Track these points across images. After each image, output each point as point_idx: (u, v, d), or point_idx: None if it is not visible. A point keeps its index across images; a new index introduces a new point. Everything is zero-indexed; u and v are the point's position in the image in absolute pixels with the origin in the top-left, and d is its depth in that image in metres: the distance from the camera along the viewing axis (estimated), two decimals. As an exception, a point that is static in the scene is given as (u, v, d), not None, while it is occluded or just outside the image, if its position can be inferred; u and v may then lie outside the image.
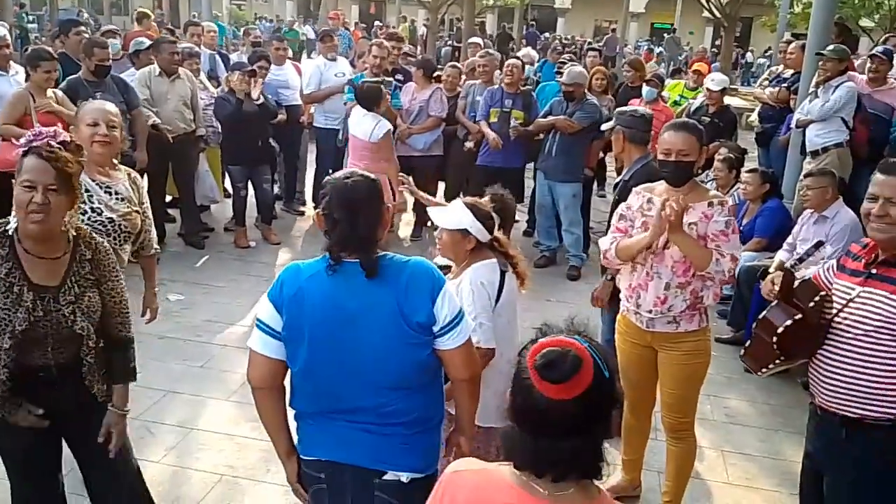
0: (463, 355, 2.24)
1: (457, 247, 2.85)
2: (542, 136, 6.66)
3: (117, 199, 3.23)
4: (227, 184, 7.46)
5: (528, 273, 3.04)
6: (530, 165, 7.22)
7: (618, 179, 4.07)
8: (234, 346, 4.93)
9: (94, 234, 2.66)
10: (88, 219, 3.10)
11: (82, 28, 6.78)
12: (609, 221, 3.86)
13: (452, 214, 2.86)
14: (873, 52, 6.52)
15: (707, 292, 3.17)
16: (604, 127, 4.30)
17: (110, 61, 5.94)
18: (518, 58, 7.17)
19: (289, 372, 2.27)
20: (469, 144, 6.89)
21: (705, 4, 20.36)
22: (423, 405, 2.25)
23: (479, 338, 2.68)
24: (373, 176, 2.26)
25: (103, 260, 2.60)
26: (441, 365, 2.26)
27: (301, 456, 2.32)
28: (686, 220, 3.06)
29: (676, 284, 3.14)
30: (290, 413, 2.35)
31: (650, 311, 3.20)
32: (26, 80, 5.54)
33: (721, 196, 3.23)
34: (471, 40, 11.01)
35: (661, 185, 3.24)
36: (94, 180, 3.15)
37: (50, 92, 5.34)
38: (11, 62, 5.99)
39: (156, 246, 3.58)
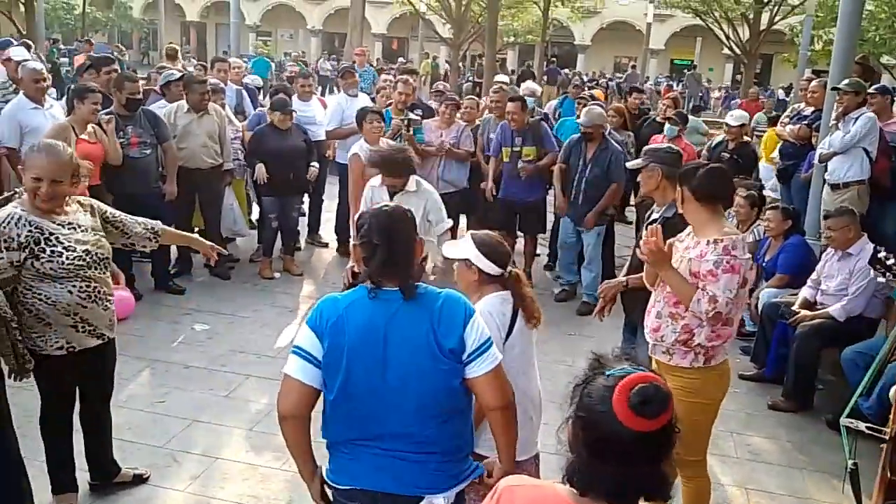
0: (492, 382, 2.28)
1: (463, 277, 2.90)
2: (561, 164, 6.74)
3: (82, 231, 3.25)
4: (253, 216, 7.60)
5: (539, 313, 2.96)
6: (550, 198, 7.28)
7: (656, 216, 4.04)
8: (257, 376, 4.98)
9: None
10: (66, 259, 3.14)
11: (114, 66, 6.94)
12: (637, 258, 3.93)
13: (459, 245, 2.93)
14: (870, 89, 6.56)
15: (701, 331, 3.16)
16: (631, 165, 4.29)
17: (140, 94, 6.09)
18: (522, 99, 7.07)
19: (319, 403, 2.31)
20: (484, 185, 6.93)
21: (725, 41, 20.53)
22: (455, 435, 2.30)
23: None
24: (407, 208, 2.39)
25: None
26: (472, 396, 2.30)
27: (335, 486, 2.35)
28: (689, 254, 3.15)
29: (668, 314, 3.22)
30: (322, 443, 2.38)
31: (651, 337, 3.31)
32: (68, 114, 5.67)
33: (727, 233, 3.17)
34: (496, 78, 11.16)
35: None
36: (54, 222, 3.17)
37: (91, 127, 5.48)
38: (47, 96, 6.15)
39: (154, 223, 3.62)
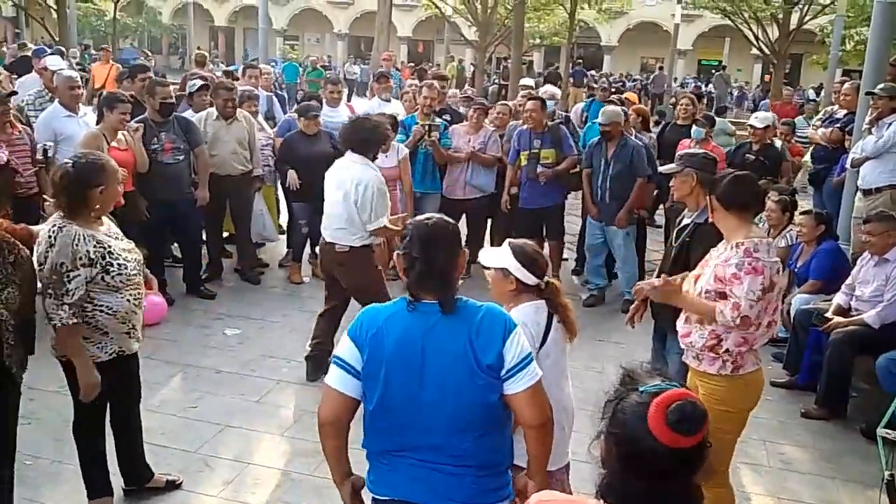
0: (532, 399, 2.25)
1: (498, 286, 2.89)
2: (578, 168, 6.72)
3: (120, 239, 3.37)
4: (282, 221, 7.66)
5: (576, 324, 2.98)
6: (575, 202, 7.26)
7: (687, 221, 4.02)
8: (287, 381, 5.03)
9: (17, 242, 3.04)
10: (129, 269, 3.26)
11: (149, 74, 7.04)
12: (668, 262, 3.92)
13: (495, 254, 2.92)
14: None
15: (728, 336, 3.17)
16: (666, 169, 4.23)
17: (173, 98, 6.16)
18: (540, 98, 7.08)
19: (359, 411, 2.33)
20: (513, 189, 6.93)
21: (754, 42, 20.30)
22: (493, 449, 2.30)
23: None
24: (451, 220, 2.36)
25: (25, 265, 3.05)
26: (509, 411, 2.29)
27: (373, 495, 2.37)
28: (715, 261, 3.20)
29: (696, 319, 3.25)
30: (361, 453, 2.40)
31: (682, 343, 3.33)
32: (97, 122, 5.77)
33: (750, 240, 3.16)
34: (521, 82, 11.12)
35: None
36: (104, 234, 3.27)
37: (120, 134, 5.57)
38: (80, 104, 6.25)
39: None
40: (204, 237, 6.71)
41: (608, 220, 6.49)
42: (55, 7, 21.11)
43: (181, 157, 6.00)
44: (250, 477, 3.99)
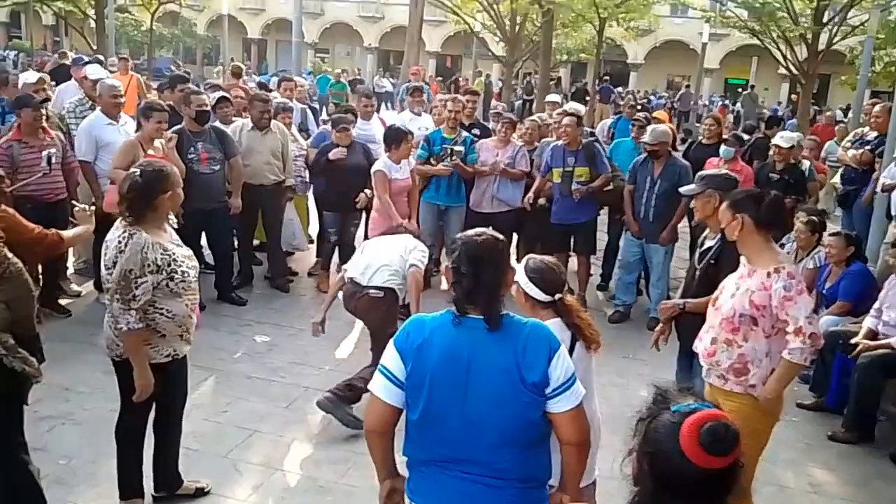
0: (574, 419, 2.29)
1: (517, 300, 2.92)
2: (611, 185, 6.74)
3: (180, 245, 3.48)
4: (312, 230, 7.76)
5: (598, 337, 2.98)
6: (602, 217, 7.28)
7: (710, 243, 4.03)
8: (315, 388, 5.07)
9: (7, 256, 3.12)
10: (190, 275, 3.38)
11: (188, 85, 7.18)
12: (694, 285, 3.94)
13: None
14: None
15: (758, 369, 3.21)
16: (686, 190, 4.27)
17: (209, 107, 6.29)
18: (577, 114, 7.11)
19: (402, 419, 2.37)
20: (541, 201, 6.97)
21: (782, 61, 20.18)
22: (533, 464, 2.32)
23: None
24: (501, 236, 2.39)
25: (14, 281, 3.13)
26: (550, 427, 2.31)
27: (411, 503, 2.41)
28: (747, 284, 3.21)
29: (723, 340, 3.26)
30: (402, 460, 2.45)
31: (705, 361, 3.35)
32: (137, 129, 5.90)
33: (783, 263, 3.24)
34: (548, 98, 11.17)
35: None
36: (168, 241, 3.37)
37: (157, 143, 5.69)
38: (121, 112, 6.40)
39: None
40: (235, 245, 6.82)
41: (650, 237, 6.50)
42: (94, 17, 21.58)
43: (217, 168, 6.12)
44: (279, 483, 4.05)
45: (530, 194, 6.89)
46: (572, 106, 9.02)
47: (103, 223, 4.69)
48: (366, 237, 7.94)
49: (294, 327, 6.09)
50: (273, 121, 6.73)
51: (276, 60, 41.12)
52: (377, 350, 4.47)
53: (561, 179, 6.72)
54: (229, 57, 23.36)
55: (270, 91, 8.38)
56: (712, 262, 3.90)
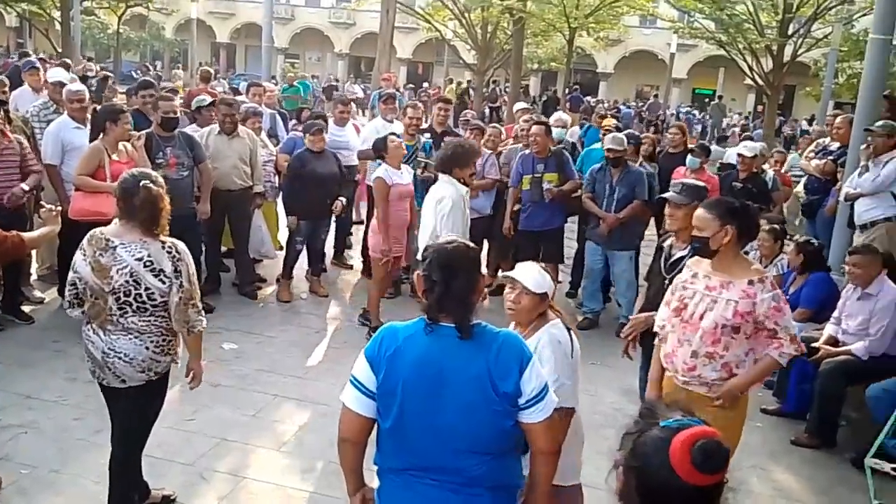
0: (547, 429, 2.30)
1: (535, 311, 2.90)
2: (579, 192, 6.82)
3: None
4: (283, 237, 7.70)
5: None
6: (571, 226, 7.34)
7: (682, 254, 4.03)
8: (284, 397, 5.05)
9: None
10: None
11: (152, 91, 7.07)
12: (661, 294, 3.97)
13: (540, 277, 2.90)
14: None
15: (742, 368, 3.29)
16: (678, 199, 4.13)
17: (177, 113, 6.20)
18: (545, 123, 7.21)
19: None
20: (517, 206, 7.01)
21: (748, 72, 20.54)
22: (505, 472, 2.33)
23: (562, 397, 2.65)
24: (472, 244, 2.40)
25: None
26: (522, 435, 2.32)
27: None
28: (726, 295, 3.24)
29: (704, 353, 3.29)
30: (374, 468, 2.44)
31: (683, 376, 3.36)
32: (94, 137, 5.78)
33: (761, 271, 3.35)
34: (516, 106, 11.24)
35: (707, 261, 3.41)
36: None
37: (121, 146, 5.60)
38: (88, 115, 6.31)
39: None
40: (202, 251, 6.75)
41: (611, 244, 6.57)
42: (59, 19, 21.27)
43: (185, 173, 6.05)
44: (246, 491, 4.01)
45: (508, 223, 6.98)
46: (561, 117, 9.11)
47: (70, 230, 4.63)
48: (343, 244, 8.01)
49: (262, 335, 6.04)
50: (241, 126, 6.68)
51: (246, 65, 40.85)
52: None
53: (530, 186, 6.77)
54: (197, 61, 23.12)
55: (239, 94, 8.30)
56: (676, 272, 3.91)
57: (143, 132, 5.88)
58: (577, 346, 3.00)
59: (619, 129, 7.90)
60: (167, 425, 4.48)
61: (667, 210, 4.13)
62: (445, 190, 5.44)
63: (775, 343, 3.29)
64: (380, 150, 6.21)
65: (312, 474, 4.14)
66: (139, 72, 20.31)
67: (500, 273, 7.53)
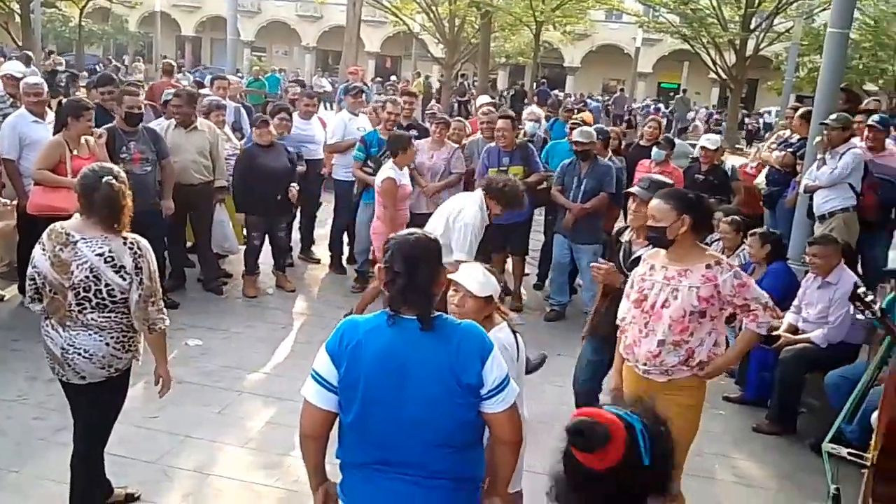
0: (509, 419, 2.31)
1: (480, 313, 2.86)
2: (544, 184, 6.85)
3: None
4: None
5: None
6: (539, 219, 7.39)
7: (642, 251, 4.00)
8: (250, 393, 5.02)
9: None
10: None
11: (111, 87, 6.90)
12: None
13: (484, 280, 2.88)
14: (869, 122, 6.73)
15: (701, 349, 3.35)
16: (640, 193, 4.06)
17: (141, 109, 6.10)
18: (511, 117, 7.25)
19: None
20: None
21: (712, 66, 20.82)
22: (468, 464, 2.34)
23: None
24: (434, 236, 2.41)
25: None
26: (484, 426, 2.33)
27: None
28: (687, 283, 3.29)
29: (671, 342, 3.33)
30: (336, 462, 2.44)
31: (645, 365, 3.40)
32: (56, 131, 5.70)
33: (717, 256, 3.43)
34: (479, 100, 11.29)
35: (663, 252, 3.45)
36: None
37: (83, 141, 5.51)
38: (48, 109, 6.20)
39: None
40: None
41: (575, 238, 6.61)
42: (19, 12, 20.81)
43: (149, 168, 5.96)
44: (211, 488, 3.98)
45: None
46: (534, 111, 9.15)
47: (29, 225, 4.55)
48: (311, 238, 7.95)
49: (228, 331, 5.99)
50: (202, 119, 6.60)
51: (212, 59, 40.34)
52: None
53: None
54: (162, 55, 22.78)
55: (203, 87, 8.21)
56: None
57: (105, 127, 5.79)
58: (523, 350, 3.00)
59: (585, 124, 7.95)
60: (130, 423, 4.43)
61: (631, 205, 4.12)
62: (471, 208, 5.32)
63: (750, 316, 3.37)
64: (396, 148, 6.18)
65: (279, 470, 4.13)
66: (102, 65, 19.93)
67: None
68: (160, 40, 33.53)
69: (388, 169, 6.15)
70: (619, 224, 6.89)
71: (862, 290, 3.38)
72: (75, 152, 5.45)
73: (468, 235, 4.94)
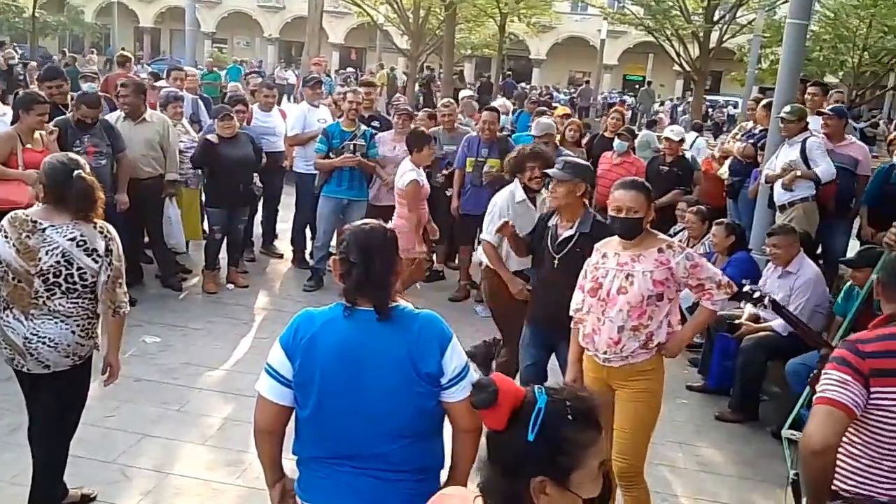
0: (469, 407, 2.28)
1: None
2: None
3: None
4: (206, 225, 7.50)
5: None
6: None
7: (570, 233, 3.98)
8: (210, 390, 4.93)
9: None
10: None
11: (60, 81, 6.59)
12: (554, 274, 4.00)
13: None
14: (826, 109, 6.81)
15: (660, 331, 3.37)
16: (558, 175, 4.00)
17: (96, 120, 5.87)
18: (496, 110, 7.34)
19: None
20: (438, 178, 7.01)
21: (676, 58, 20.97)
22: (427, 454, 2.30)
23: None
24: (389, 225, 2.36)
25: None
26: (444, 416, 2.30)
27: (303, 502, 2.35)
28: (640, 268, 3.32)
29: (631, 328, 3.34)
30: (294, 458, 2.38)
31: (605, 353, 3.40)
32: (13, 123, 5.55)
33: (667, 239, 3.47)
34: (462, 94, 11.27)
35: (615, 239, 3.47)
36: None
37: (37, 134, 5.37)
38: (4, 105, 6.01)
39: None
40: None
41: None
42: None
43: (104, 162, 5.80)
44: (170, 487, 3.90)
45: (456, 203, 6.97)
46: (504, 103, 9.19)
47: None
48: (272, 232, 7.83)
49: (187, 327, 5.88)
50: (153, 111, 6.46)
51: (172, 50, 39.66)
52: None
53: (473, 169, 6.85)
54: (120, 46, 22.33)
55: (159, 79, 8.03)
56: (578, 250, 3.86)
57: (57, 121, 5.65)
58: None
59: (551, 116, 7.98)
60: (86, 422, 4.27)
61: (549, 186, 4.06)
62: (504, 192, 5.10)
63: (705, 295, 3.41)
64: (413, 145, 6.10)
65: (239, 468, 4.05)
66: (57, 58, 19.45)
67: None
68: (118, 31, 32.92)
69: (409, 171, 6.03)
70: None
71: (747, 288, 3.48)
72: (28, 145, 5.33)
73: (493, 215, 4.87)
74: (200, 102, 8.33)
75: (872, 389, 2.30)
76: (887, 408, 2.31)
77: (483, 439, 1.62)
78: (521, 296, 4.47)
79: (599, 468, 1.52)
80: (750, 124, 8.31)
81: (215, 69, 16.29)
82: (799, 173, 6.12)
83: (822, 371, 2.39)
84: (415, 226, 5.96)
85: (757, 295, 3.46)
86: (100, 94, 6.95)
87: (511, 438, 1.51)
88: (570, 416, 1.49)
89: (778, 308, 3.58)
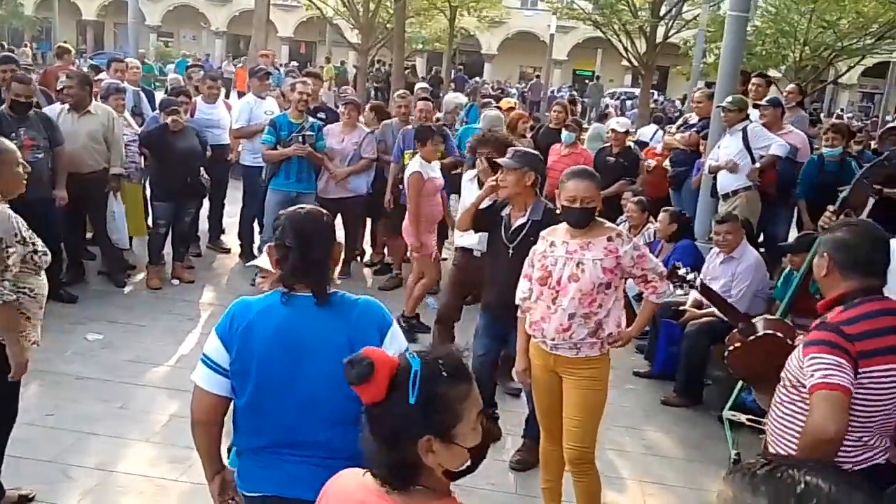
0: None
1: None
2: (459, 170, 6.86)
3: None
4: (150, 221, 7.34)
5: None
6: (455, 204, 7.37)
7: (522, 221, 4.01)
8: (154, 387, 4.84)
9: None
10: (46, 250, 3.23)
11: (13, 66, 6.45)
12: (508, 263, 4.00)
13: None
14: (761, 102, 7.01)
15: (608, 320, 3.40)
16: (507, 164, 4.00)
17: (30, 98, 5.71)
18: (430, 99, 7.32)
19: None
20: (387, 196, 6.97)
21: (624, 53, 21.26)
22: None
23: None
24: (325, 211, 2.34)
25: None
26: None
27: (245, 493, 2.32)
28: (590, 255, 3.34)
29: (581, 314, 3.36)
30: (230, 448, 2.38)
31: (553, 339, 3.41)
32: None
33: (616, 228, 3.52)
34: (418, 86, 11.25)
35: (562, 227, 3.48)
36: None
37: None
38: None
39: None
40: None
41: None
42: None
43: (41, 156, 5.61)
44: (114, 485, 3.82)
45: (389, 195, 6.90)
46: (457, 97, 9.17)
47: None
48: (219, 227, 7.71)
49: (131, 324, 5.76)
50: (96, 103, 6.28)
51: (116, 44, 38.72)
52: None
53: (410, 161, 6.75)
54: (61, 39, 21.71)
55: (100, 71, 7.84)
56: (531, 238, 3.82)
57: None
58: None
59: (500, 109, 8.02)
60: (25, 422, 4.17)
61: (499, 175, 4.06)
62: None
63: (649, 287, 3.48)
64: (419, 139, 6.02)
65: (184, 464, 3.97)
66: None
67: (387, 250, 7.53)
68: (59, 25, 32.01)
69: (414, 163, 5.98)
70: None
71: (682, 270, 3.55)
72: None
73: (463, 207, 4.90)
74: (143, 95, 8.14)
75: (860, 370, 2.34)
76: (867, 386, 2.35)
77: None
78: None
79: (477, 417, 1.55)
80: (689, 115, 8.50)
81: (146, 60, 15.88)
82: (758, 165, 6.30)
83: (811, 355, 2.36)
84: (415, 219, 5.86)
85: (690, 277, 3.51)
86: (38, 86, 6.76)
87: (391, 407, 1.53)
88: (444, 374, 1.53)
89: (706, 290, 3.65)
